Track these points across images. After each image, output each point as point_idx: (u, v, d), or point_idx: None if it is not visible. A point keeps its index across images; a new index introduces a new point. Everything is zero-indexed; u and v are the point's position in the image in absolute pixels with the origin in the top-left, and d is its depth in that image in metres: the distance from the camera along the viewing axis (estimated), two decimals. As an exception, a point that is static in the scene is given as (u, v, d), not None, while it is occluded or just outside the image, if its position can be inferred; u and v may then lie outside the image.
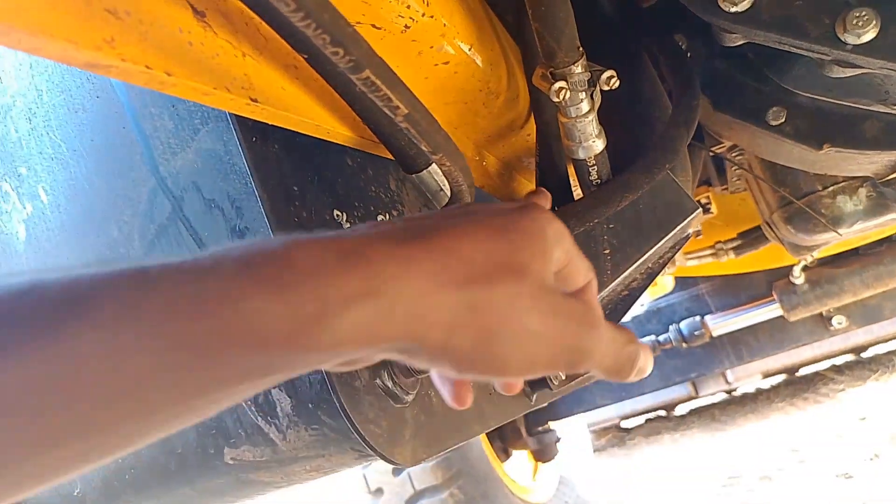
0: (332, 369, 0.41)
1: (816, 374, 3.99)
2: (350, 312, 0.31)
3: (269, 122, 0.50)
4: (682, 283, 2.42)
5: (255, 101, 0.47)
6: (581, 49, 0.66)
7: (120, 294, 0.28)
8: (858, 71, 0.64)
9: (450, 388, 0.49)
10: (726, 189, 1.69)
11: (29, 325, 0.26)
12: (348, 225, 0.70)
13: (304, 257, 0.31)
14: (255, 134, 0.62)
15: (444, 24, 0.65)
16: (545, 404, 1.13)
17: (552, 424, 2.45)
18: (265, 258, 0.31)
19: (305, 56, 0.48)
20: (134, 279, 0.29)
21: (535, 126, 0.88)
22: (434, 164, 0.60)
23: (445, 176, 0.53)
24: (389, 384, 0.65)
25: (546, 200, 0.54)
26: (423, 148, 0.48)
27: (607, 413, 3.75)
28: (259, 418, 0.68)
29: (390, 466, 1.77)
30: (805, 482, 2.42)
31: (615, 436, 4.28)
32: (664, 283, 2.40)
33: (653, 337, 2.31)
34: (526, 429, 2.39)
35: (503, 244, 0.37)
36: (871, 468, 2.29)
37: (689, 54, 0.95)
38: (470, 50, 0.71)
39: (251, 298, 0.29)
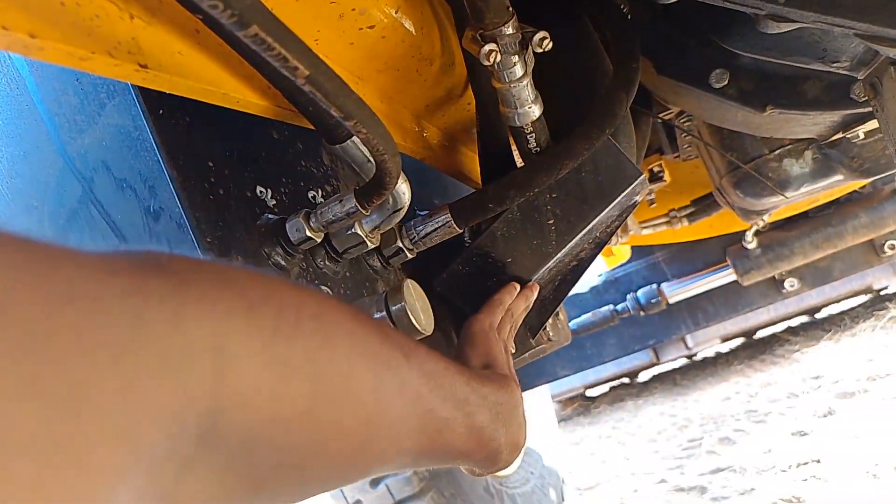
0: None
1: (773, 336, 4.11)
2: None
3: (165, 91, 0.46)
4: (639, 252, 2.43)
5: (144, 66, 0.43)
6: (511, 9, 0.62)
7: (424, 351, 0.47)
8: (794, 26, 0.63)
9: None
10: (678, 157, 1.69)
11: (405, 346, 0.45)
12: (273, 202, 0.67)
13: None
14: (161, 106, 0.58)
15: (365, -16, 0.62)
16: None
17: (515, 397, 2.45)
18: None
19: (200, 17, 0.44)
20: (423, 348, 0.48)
21: (474, 94, 0.85)
22: (352, 132, 0.56)
23: (365, 144, 0.50)
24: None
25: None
26: (335, 114, 0.44)
27: (572, 383, 3.80)
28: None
29: (367, 479, 1.75)
30: (762, 441, 2.48)
31: (580, 405, 4.35)
32: (621, 252, 2.41)
33: (611, 306, 2.33)
34: (489, 403, 2.39)
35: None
36: (825, 425, 2.35)
37: (629, 17, 0.92)
38: (397, 13, 0.68)
39: (491, 394, 0.57)
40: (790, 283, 2.21)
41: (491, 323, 0.74)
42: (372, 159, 0.61)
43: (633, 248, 2.44)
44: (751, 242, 2.06)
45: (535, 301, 0.91)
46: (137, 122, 0.59)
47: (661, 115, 1.29)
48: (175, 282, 0.27)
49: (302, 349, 0.33)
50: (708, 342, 3.66)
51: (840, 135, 1.09)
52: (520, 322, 0.87)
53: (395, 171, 0.56)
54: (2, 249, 0.22)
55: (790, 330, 4.11)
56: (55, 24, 0.38)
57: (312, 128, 0.62)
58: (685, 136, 1.53)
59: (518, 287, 0.86)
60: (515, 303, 0.83)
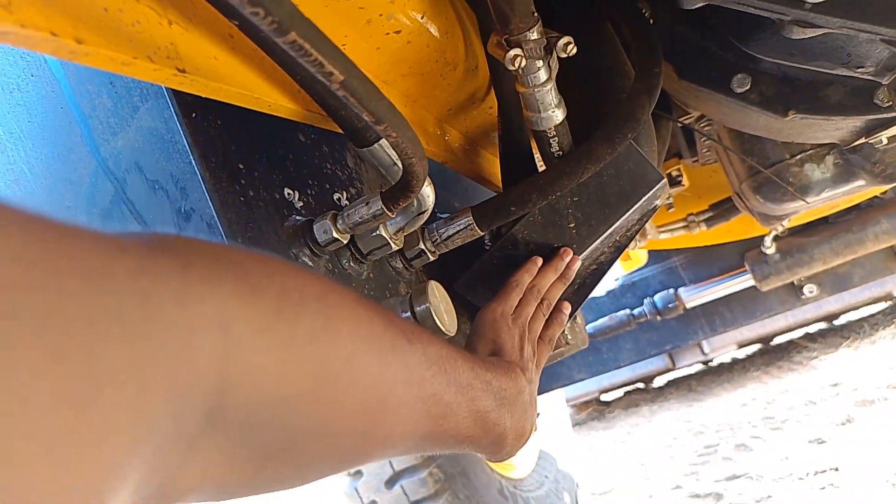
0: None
1: (790, 342, 4.06)
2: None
3: (201, 95, 0.47)
4: (656, 256, 2.43)
5: (182, 71, 0.44)
6: (536, 15, 0.63)
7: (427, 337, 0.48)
8: (819, 31, 0.63)
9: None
10: (697, 161, 1.68)
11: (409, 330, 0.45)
12: (301, 204, 0.68)
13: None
14: (194, 109, 0.59)
15: (393, -10, 0.62)
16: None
17: (530, 401, 2.45)
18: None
19: (236, 23, 0.45)
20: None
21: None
22: (382, 136, 0.57)
23: (394, 148, 0.51)
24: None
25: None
26: (366, 118, 0.45)
27: (587, 387, 3.78)
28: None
29: (383, 480, 1.78)
30: (780, 449, 2.46)
31: (595, 409, 4.33)
32: (638, 256, 2.41)
33: (628, 310, 2.32)
34: (504, 406, 2.39)
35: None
36: (844, 433, 2.33)
37: (651, 21, 0.93)
38: (423, 18, 0.68)
39: (496, 380, 0.59)
40: (809, 290, 2.20)
41: (503, 311, 0.74)
42: (398, 163, 0.62)
43: (650, 252, 2.43)
44: (769, 248, 2.04)
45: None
46: (170, 124, 0.60)
47: (680, 119, 1.29)
48: (180, 262, 0.28)
49: (305, 330, 0.33)
50: (724, 348, 3.63)
51: (862, 140, 1.08)
52: (558, 295, 0.84)
53: (422, 174, 0.57)
54: (19, 224, 0.23)
55: (808, 336, 4.07)
56: (99, 30, 0.39)
57: (340, 131, 0.63)
58: (704, 141, 1.53)
59: (540, 261, 0.83)
60: (541, 277, 0.82)
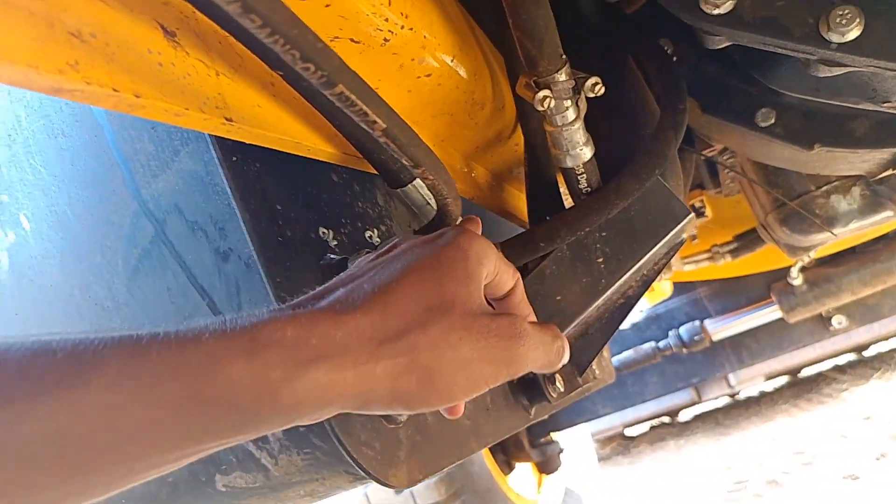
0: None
1: (819, 374, 3.98)
2: (307, 374, 0.37)
3: (247, 142, 0.49)
4: (680, 287, 2.41)
5: (230, 120, 0.46)
6: (564, 57, 0.65)
7: (117, 361, 0.34)
8: (845, 70, 0.64)
9: None
10: (720, 192, 1.68)
11: (39, 383, 0.32)
12: (335, 243, 0.69)
13: (268, 332, 0.37)
14: (235, 153, 0.61)
15: (425, 37, 0.64)
16: (545, 417, 1.11)
17: (554, 435, 2.43)
18: (236, 333, 0.37)
19: (280, 73, 0.47)
20: (128, 348, 0.34)
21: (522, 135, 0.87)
22: (419, 178, 0.59)
23: (430, 189, 0.52)
24: (381, 404, 0.64)
25: (476, 226, 0.57)
26: (405, 162, 0.47)
27: (610, 422, 3.72)
28: (250, 444, 0.66)
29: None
30: (812, 484, 2.39)
31: (619, 444, 4.25)
32: (662, 288, 2.39)
33: (653, 343, 2.30)
34: (528, 441, 2.36)
35: (431, 284, 0.43)
36: (878, 468, 2.26)
37: (675, 58, 0.94)
38: (452, 61, 0.70)
39: (225, 367, 0.35)
40: (838, 321, 2.16)
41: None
42: (431, 202, 0.63)
43: (674, 283, 2.42)
44: (796, 279, 2.02)
45: (582, 340, 0.92)
46: (210, 167, 0.62)
47: (704, 152, 1.30)
48: None
49: None
50: (751, 380, 3.56)
51: (889, 171, 1.08)
52: None
53: (457, 213, 0.58)
54: None
55: (837, 368, 3.98)
56: (154, 84, 0.41)
57: (374, 172, 0.64)
58: (727, 172, 1.53)
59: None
60: None
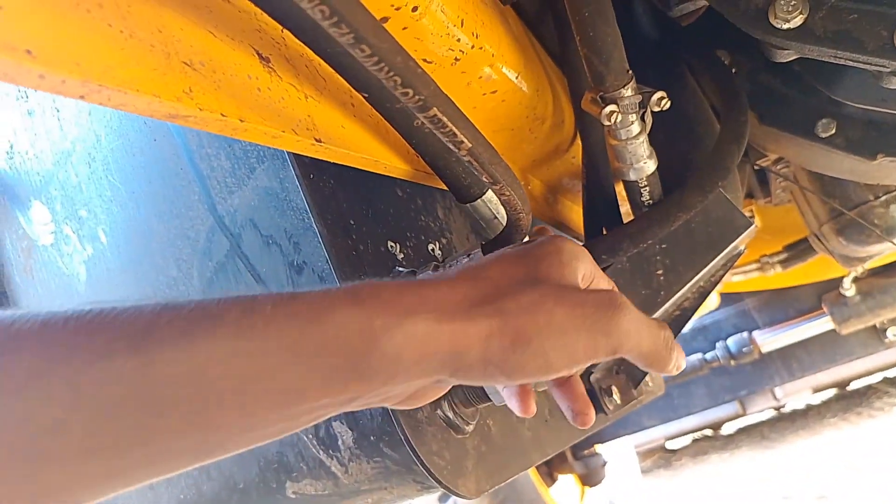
0: (398, 406, 0.47)
1: (869, 387, 3.86)
2: (405, 325, 0.38)
3: (332, 161, 0.50)
4: (727, 298, 2.37)
5: (319, 141, 0.48)
6: (630, 72, 0.66)
7: (237, 312, 0.36)
8: (917, 80, 0.63)
9: (515, 399, 0.54)
10: (770, 201, 1.66)
11: (169, 330, 0.34)
12: (402, 256, 0.71)
13: (367, 290, 0.39)
14: (311, 170, 0.63)
15: (493, 55, 0.66)
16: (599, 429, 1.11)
17: (598, 448, 2.41)
18: (339, 291, 0.39)
19: (366, 95, 0.49)
20: (245, 302, 0.37)
21: (580, 149, 0.88)
22: (489, 193, 0.60)
23: (504, 205, 0.54)
24: (450, 415, 0.65)
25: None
26: (485, 179, 0.48)
27: (651, 434, 3.67)
28: (321, 451, 0.68)
29: (436, 495, 1.75)
30: (863, 500, 2.32)
31: (661, 457, 4.18)
32: (709, 299, 2.35)
33: (700, 355, 2.26)
34: (572, 453, 2.35)
35: (522, 265, 0.44)
36: (935, 485, 2.19)
37: (733, 69, 0.94)
38: (517, 78, 0.72)
39: (332, 313, 0.37)
40: (893, 333, 2.10)
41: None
42: (499, 216, 0.65)
43: (721, 295, 2.38)
44: (849, 289, 1.98)
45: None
46: (286, 184, 0.64)
47: (758, 162, 1.28)
48: None
49: None
50: (798, 393, 3.47)
51: (954, 181, 1.05)
52: None
53: (527, 227, 0.59)
54: None
55: (888, 381, 3.86)
56: (255, 108, 0.43)
57: (441, 187, 0.66)
58: (780, 182, 1.51)
59: None
60: None
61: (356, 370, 0.37)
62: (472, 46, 0.62)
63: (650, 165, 0.73)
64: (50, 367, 0.31)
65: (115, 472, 0.34)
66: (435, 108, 0.39)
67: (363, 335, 0.37)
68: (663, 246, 0.84)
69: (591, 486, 2.45)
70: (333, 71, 0.47)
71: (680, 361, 0.48)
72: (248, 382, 0.35)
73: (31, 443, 0.31)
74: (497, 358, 0.40)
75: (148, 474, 0.36)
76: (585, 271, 0.47)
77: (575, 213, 1.07)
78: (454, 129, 0.41)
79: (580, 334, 0.41)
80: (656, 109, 0.68)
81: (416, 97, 0.38)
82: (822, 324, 2.13)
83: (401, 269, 0.69)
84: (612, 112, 0.65)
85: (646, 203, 0.78)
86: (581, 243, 0.82)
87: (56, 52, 0.29)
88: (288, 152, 0.64)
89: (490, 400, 0.62)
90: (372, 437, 0.64)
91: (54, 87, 0.29)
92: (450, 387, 0.53)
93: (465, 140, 0.43)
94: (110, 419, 0.32)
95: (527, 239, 0.50)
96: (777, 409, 3.91)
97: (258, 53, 0.46)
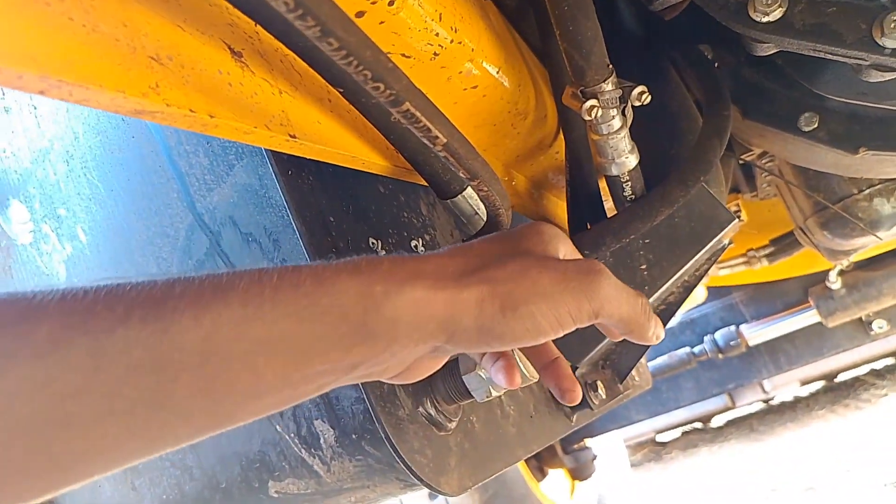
0: (395, 380, 0.49)
1: (856, 379, 3.89)
2: (404, 291, 0.41)
3: (308, 157, 0.50)
4: (715, 292, 2.38)
5: (293, 136, 0.47)
6: (611, 66, 0.65)
7: (245, 282, 0.38)
8: (896, 74, 0.63)
9: (501, 372, 0.55)
10: (756, 196, 1.67)
11: (183, 300, 0.36)
12: (383, 252, 0.70)
13: (366, 262, 0.42)
14: (290, 167, 0.62)
15: (472, 49, 0.65)
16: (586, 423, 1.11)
17: (588, 442, 2.41)
18: (340, 263, 0.42)
19: (341, 90, 0.48)
20: (253, 273, 0.39)
21: (563, 144, 0.87)
22: (469, 189, 0.60)
23: (483, 200, 0.53)
24: (432, 412, 0.65)
25: None
26: (461, 175, 0.48)
27: (641, 428, 3.69)
28: (303, 450, 0.68)
29: (426, 491, 1.75)
30: (851, 492, 2.35)
31: (651, 450, 4.20)
32: (696, 293, 2.37)
33: (688, 349, 2.27)
34: (562, 447, 2.36)
35: (507, 241, 0.48)
36: (921, 475, 2.21)
37: (715, 64, 0.94)
38: (498, 73, 0.71)
39: (335, 282, 0.39)
40: (878, 325, 2.12)
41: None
42: (479, 212, 0.64)
43: (708, 288, 2.39)
44: (835, 282, 1.99)
45: (623, 346, 0.91)
46: (265, 181, 0.64)
47: (743, 157, 1.29)
48: None
49: None
50: (786, 385, 3.50)
51: (936, 173, 1.06)
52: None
53: (507, 223, 0.59)
54: None
55: (875, 373, 3.89)
56: (226, 104, 0.43)
57: (422, 183, 0.65)
58: (765, 176, 1.52)
59: None
60: None
61: (358, 334, 0.39)
62: (452, 41, 0.62)
63: (632, 160, 0.73)
64: (70, 335, 0.33)
65: (132, 437, 0.35)
66: (408, 103, 0.38)
67: (364, 300, 0.40)
68: (647, 241, 0.84)
69: (581, 481, 2.46)
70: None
71: (658, 331, 0.51)
72: (256, 346, 0.37)
73: (53, 408, 0.32)
74: (489, 322, 0.43)
75: (162, 440, 0.37)
76: (566, 250, 0.50)
77: (559, 209, 1.07)
78: (428, 124, 0.41)
79: (564, 297, 0.44)
80: (637, 104, 0.67)
81: (388, 92, 0.37)
82: (808, 317, 2.15)
83: (382, 265, 0.69)
84: (592, 107, 0.65)
85: (628, 198, 0.78)
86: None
87: (9, 46, 0.28)
88: (266, 149, 0.63)
89: (473, 396, 0.62)
90: (354, 436, 0.64)
91: (10, 81, 0.28)
92: (446, 359, 0.54)
93: (440, 136, 0.42)
94: (128, 384, 0.33)
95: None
96: (766, 401, 3.95)
97: (230, 48, 0.45)
